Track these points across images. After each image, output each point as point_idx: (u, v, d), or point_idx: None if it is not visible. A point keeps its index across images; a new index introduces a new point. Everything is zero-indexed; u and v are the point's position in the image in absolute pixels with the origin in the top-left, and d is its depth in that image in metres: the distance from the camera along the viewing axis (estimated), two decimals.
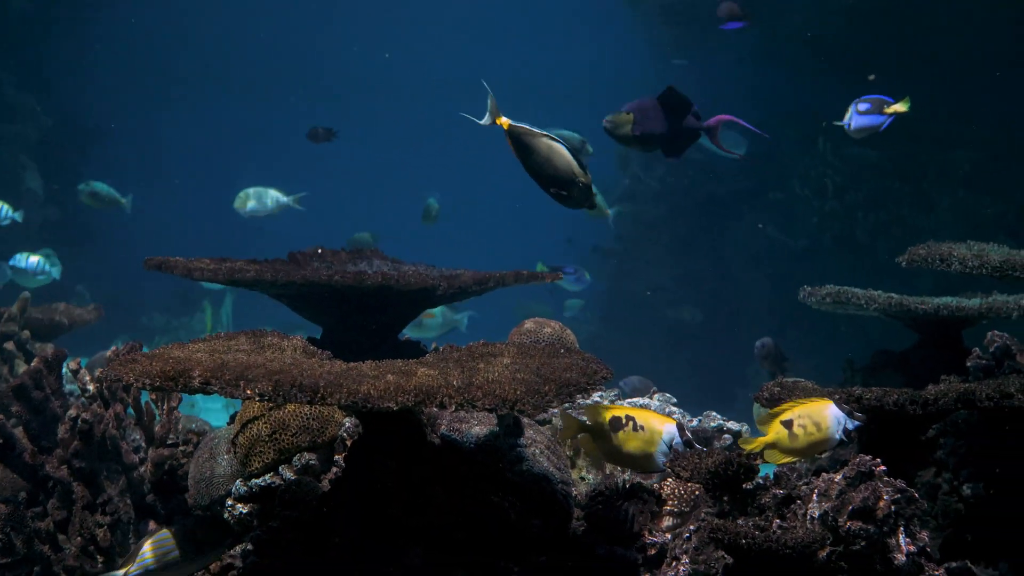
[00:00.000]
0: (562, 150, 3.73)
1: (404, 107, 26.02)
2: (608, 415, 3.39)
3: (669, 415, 4.23)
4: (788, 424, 3.28)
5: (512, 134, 3.74)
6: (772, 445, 3.30)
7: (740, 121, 4.70)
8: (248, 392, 2.83)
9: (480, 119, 3.72)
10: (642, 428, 3.33)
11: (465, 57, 23.42)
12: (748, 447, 3.34)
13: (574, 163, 3.73)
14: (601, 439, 3.40)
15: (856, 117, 5.47)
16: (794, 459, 3.35)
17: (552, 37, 25.85)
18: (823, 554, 2.94)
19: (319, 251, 5.29)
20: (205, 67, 24.26)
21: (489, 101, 3.67)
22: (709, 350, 11.89)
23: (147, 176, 18.00)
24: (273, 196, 8.73)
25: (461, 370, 3.17)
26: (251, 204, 8.67)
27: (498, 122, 3.70)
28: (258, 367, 2.97)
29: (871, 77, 9.56)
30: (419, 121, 25.23)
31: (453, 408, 2.85)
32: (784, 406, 3.32)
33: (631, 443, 3.32)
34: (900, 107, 5.17)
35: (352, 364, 3.23)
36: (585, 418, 3.43)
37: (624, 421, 3.35)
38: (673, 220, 13.13)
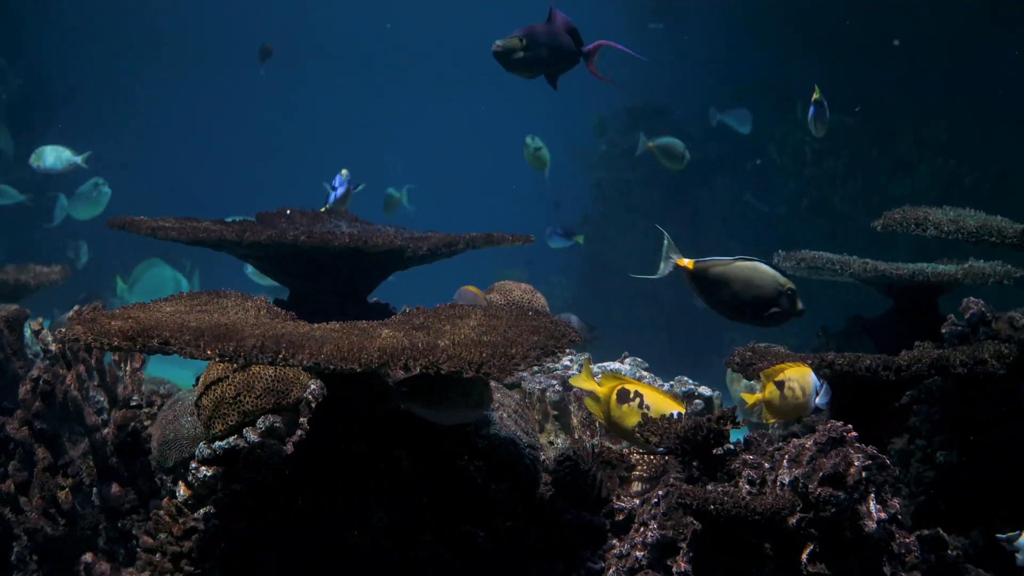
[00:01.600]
0: (762, 267, 3.45)
1: (388, 74, 25.82)
2: (617, 386, 3.33)
3: (639, 379, 4.18)
4: (780, 385, 3.24)
5: (700, 274, 3.47)
6: (766, 403, 3.26)
7: (617, 46, 4.55)
8: (208, 352, 2.77)
9: (656, 271, 3.43)
10: (648, 408, 3.27)
11: (434, 20, 23.21)
12: (749, 401, 3.30)
13: (776, 273, 3.44)
14: (604, 404, 3.34)
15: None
16: (779, 420, 3.33)
17: None
18: (792, 520, 2.90)
19: (288, 211, 5.21)
20: (181, 29, 24.00)
21: (665, 244, 3.45)
22: (683, 316, 11.86)
23: (118, 138, 17.80)
24: (66, 155, 8.96)
25: (426, 332, 3.11)
26: (49, 161, 8.90)
27: (680, 264, 3.45)
28: (219, 327, 2.90)
29: (896, 42, 9.53)
30: (400, 88, 25.05)
31: (418, 370, 2.80)
32: (779, 366, 3.27)
33: (632, 418, 3.25)
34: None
35: (317, 325, 3.17)
36: (598, 382, 3.37)
37: (632, 396, 3.29)
38: (649, 186, 13.07)
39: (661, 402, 3.28)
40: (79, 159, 8.92)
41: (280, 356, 2.76)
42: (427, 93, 25.12)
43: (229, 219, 5.08)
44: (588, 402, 3.41)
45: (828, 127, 5.61)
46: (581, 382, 3.39)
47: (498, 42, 4.26)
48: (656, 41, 14.12)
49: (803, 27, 11.52)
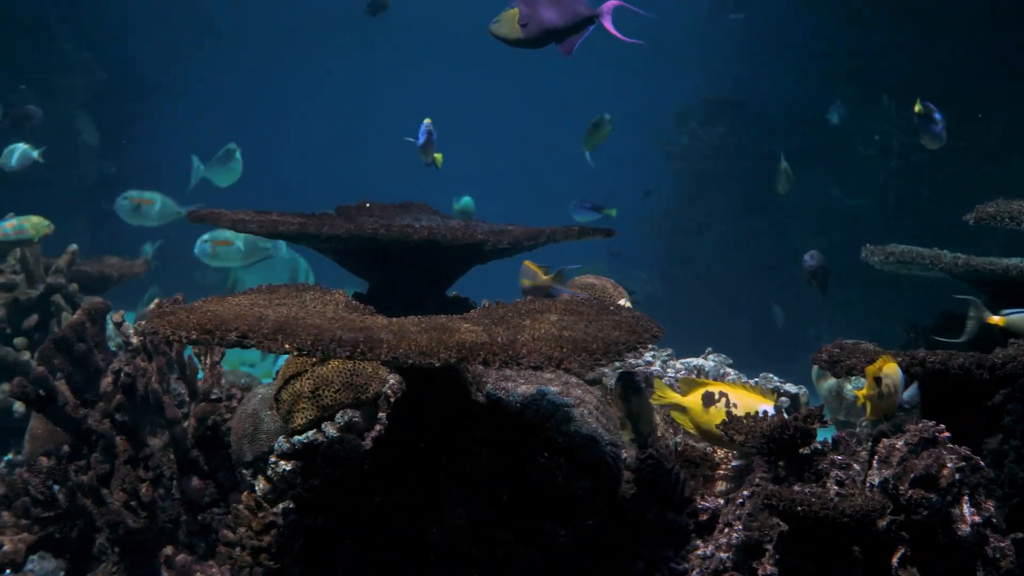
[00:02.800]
0: None
1: (474, 63, 25.84)
2: (701, 391, 3.27)
3: (722, 377, 4.10)
4: (878, 381, 3.14)
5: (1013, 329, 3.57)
6: (867, 399, 3.17)
7: (628, 5, 4.32)
8: (286, 346, 2.74)
9: None
10: (735, 406, 3.20)
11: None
12: (860, 396, 3.22)
13: None
14: (691, 413, 3.28)
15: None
16: (877, 417, 3.24)
17: None
18: (883, 523, 2.82)
19: (367, 204, 5.19)
20: (267, 17, 24.20)
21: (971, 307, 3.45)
22: (767, 311, 11.71)
23: (203, 128, 17.97)
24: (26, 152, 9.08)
25: (506, 327, 3.06)
26: (15, 160, 9.05)
27: (991, 322, 3.51)
28: (298, 321, 2.87)
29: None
30: (486, 77, 25.01)
31: (497, 365, 2.75)
32: (877, 362, 3.18)
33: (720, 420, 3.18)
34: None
35: (395, 319, 3.13)
36: (679, 390, 3.31)
37: (717, 397, 3.22)
38: (731, 179, 12.93)
39: (748, 399, 3.20)
40: (35, 154, 9.05)
41: (359, 350, 2.72)
42: (510, 84, 25.07)
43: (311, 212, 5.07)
44: (675, 415, 3.35)
45: (939, 131, 5.48)
46: (663, 396, 3.33)
47: (494, 20, 4.04)
48: (736, 32, 13.97)
49: (890, 14, 11.30)
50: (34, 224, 6.21)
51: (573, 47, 4.11)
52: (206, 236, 9.88)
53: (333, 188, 9.56)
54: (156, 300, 4.57)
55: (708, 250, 13.03)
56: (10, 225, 6.21)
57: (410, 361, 2.71)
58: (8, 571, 4.33)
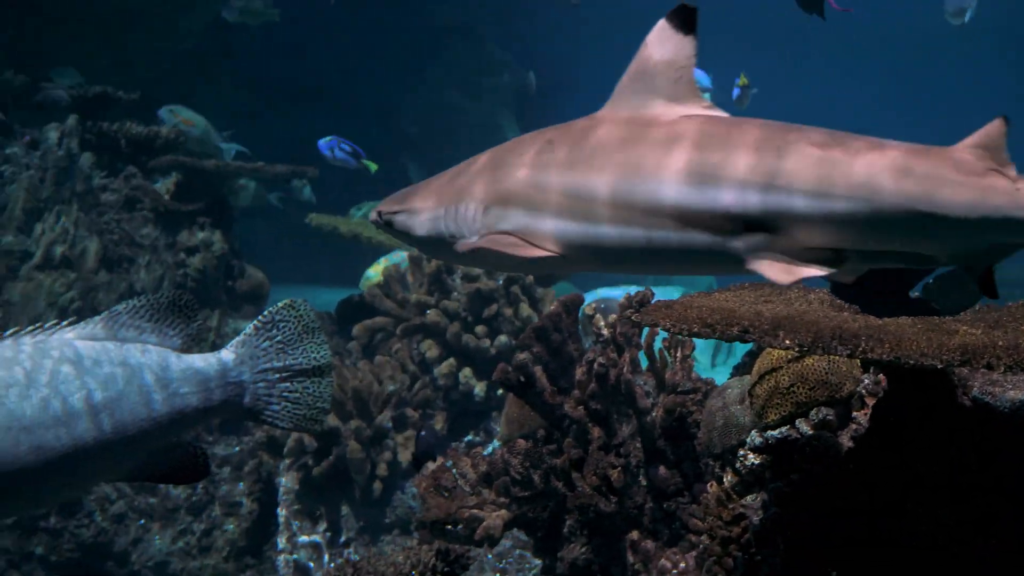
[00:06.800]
0: None
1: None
2: None
3: None
4: None
5: None
6: None
7: None
8: (787, 342, 2.80)
9: None
10: None
11: None
12: None
13: None
14: None
15: None
16: None
17: None
18: None
19: None
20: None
21: None
22: None
23: None
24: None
25: (1003, 330, 2.99)
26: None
27: None
28: (794, 318, 2.93)
29: None
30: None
31: (1002, 369, 2.70)
32: None
33: None
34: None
35: (888, 319, 3.12)
36: None
37: None
38: None
39: None
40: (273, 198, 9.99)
41: (859, 349, 2.74)
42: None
43: None
44: None
45: None
46: None
47: None
48: None
49: None
50: None
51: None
52: (171, 107, 10.53)
53: None
54: (626, 294, 4.76)
55: None
56: None
57: (911, 362, 2.70)
58: (481, 548, 4.64)
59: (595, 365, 4.41)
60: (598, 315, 4.61)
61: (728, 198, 2.89)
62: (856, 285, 4.60)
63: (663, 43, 3.17)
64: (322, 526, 6.81)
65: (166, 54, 15.09)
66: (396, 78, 19.05)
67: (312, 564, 6.69)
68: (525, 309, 7.16)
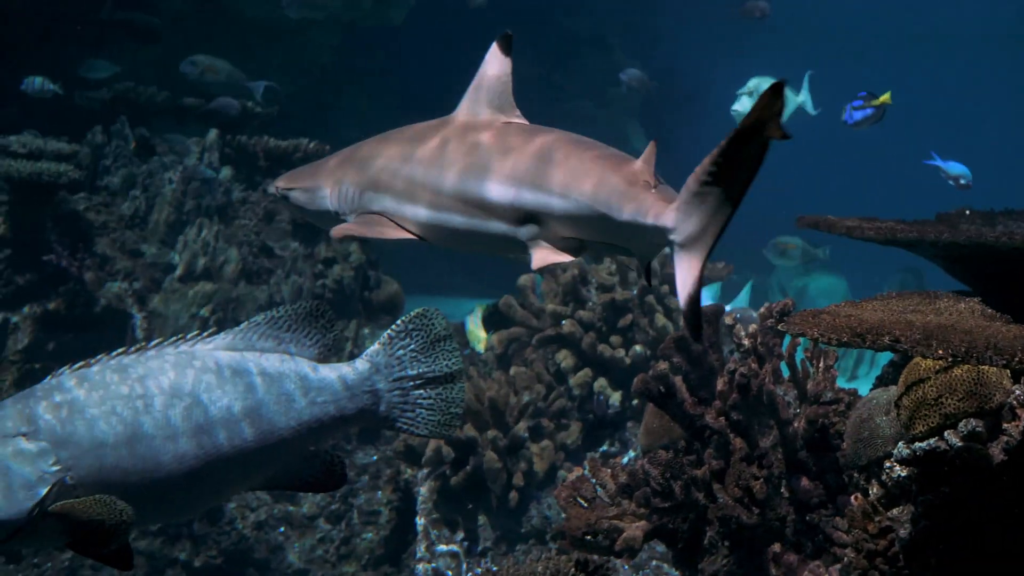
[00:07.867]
0: None
1: None
2: None
3: None
4: None
5: None
6: None
7: None
8: (940, 352, 2.77)
9: None
10: None
11: None
12: None
13: None
14: None
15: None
16: None
17: None
18: None
19: (967, 211, 5.07)
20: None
21: None
22: None
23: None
24: None
25: None
26: None
27: None
28: (946, 327, 2.89)
29: None
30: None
31: None
32: None
33: None
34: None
35: None
36: None
37: None
38: None
39: None
40: None
41: (1016, 359, 2.70)
42: None
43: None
44: None
45: None
46: None
47: None
48: None
49: None
50: None
51: None
52: (191, 58, 10.85)
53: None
54: (766, 304, 4.72)
55: None
56: None
57: None
58: (620, 559, 4.64)
59: (737, 375, 4.38)
60: (739, 325, 4.59)
61: (511, 194, 3.51)
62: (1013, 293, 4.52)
63: (493, 62, 3.89)
64: (460, 535, 6.88)
65: (301, 68, 15.44)
66: (527, 88, 19.18)
67: (450, 573, 6.76)
68: (660, 319, 7.15)
